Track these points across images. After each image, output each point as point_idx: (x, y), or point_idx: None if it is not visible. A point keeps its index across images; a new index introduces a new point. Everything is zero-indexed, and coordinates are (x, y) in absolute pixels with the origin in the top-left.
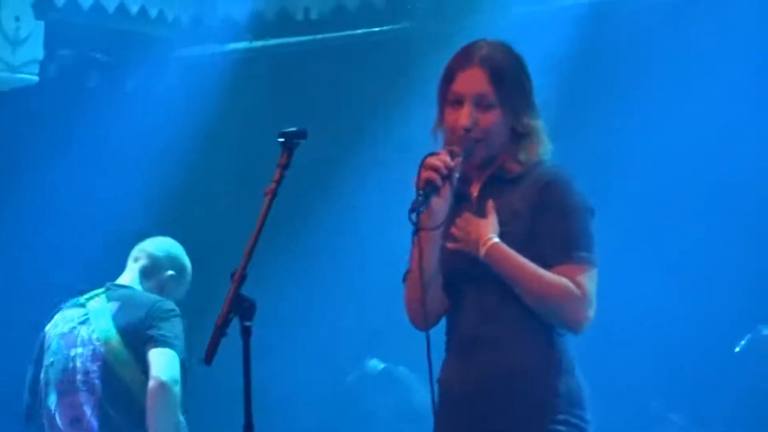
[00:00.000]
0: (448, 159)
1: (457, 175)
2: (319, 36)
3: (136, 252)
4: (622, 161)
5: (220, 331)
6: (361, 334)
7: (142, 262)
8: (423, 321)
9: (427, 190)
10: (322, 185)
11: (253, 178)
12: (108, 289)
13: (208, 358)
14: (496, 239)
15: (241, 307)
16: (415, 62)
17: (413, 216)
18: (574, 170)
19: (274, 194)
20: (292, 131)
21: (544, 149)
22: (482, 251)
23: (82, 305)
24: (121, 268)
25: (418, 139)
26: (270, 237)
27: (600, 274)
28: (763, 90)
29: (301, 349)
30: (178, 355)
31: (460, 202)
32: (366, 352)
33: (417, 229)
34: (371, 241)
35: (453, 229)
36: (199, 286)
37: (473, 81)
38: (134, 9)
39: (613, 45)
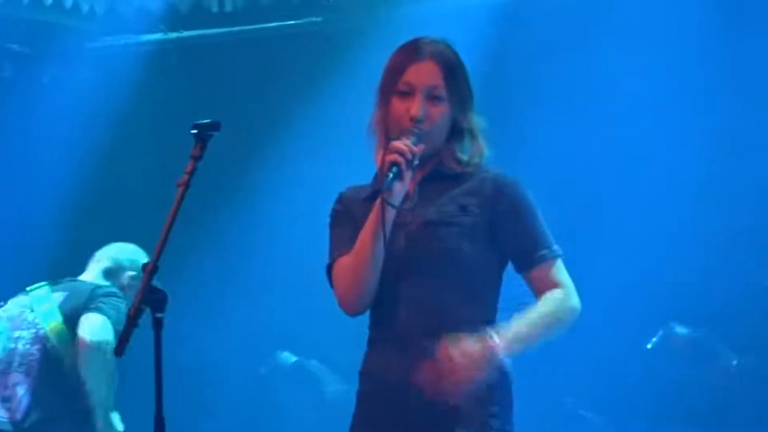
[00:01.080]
0: (412, 145)
1: (416, 162)
2: (234, 28)
3: (98, 255)
4: (535, 160)
5: (132, 322)
6: (273, 327)
7: (105, 263)
8: (357, 302)
9: (394, 171)
10: (236, 178)
11: (167, 170)
12: (53, 282)
13: (119, 350)
14: (498, 340)
15: (153, 299)
16: (328, 56)
17: (384, 190)
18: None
19: (187, 186)
20: (206, 123)
21: (484, 150)
22: (503, 355)
23: (26, 293)
24: (32, 258)
25: (331, 134)
26: (183, 229)
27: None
28: (680, 86)
29: (214, 341)
30: (110, 321)
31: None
32: (278, 345)
33: (384, 204)
34: (285, 234)
35: (455, 357)
36: None
37: (426, 73)
38: None
39: (529, 40)
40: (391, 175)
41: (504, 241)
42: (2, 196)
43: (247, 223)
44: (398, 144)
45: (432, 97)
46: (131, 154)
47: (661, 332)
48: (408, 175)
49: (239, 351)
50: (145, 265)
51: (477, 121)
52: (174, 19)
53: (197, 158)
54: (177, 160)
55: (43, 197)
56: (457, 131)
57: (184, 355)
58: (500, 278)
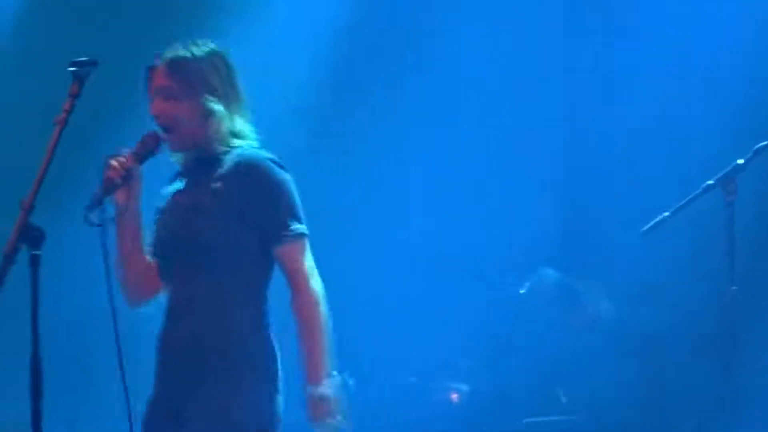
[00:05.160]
0: (124, 159)
1: (135, 168)
2: None
3: None
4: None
5: (9, 259)
6: None
7: None
8: (126, 298)
9: (107, 188)
10: None
11: (46, 108)
12: None
13: None
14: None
15: (30, 236)
16: None
17: (88, 212)
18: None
19: (64, 124)
20: (83, 60)
21: (228, 131)
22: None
23: None
24: None
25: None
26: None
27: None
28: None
29: None
30: None
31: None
32: None
33: (94, 224)
34: None
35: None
36: None
37: (157, 76)
38: None
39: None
40: (98, 193)
41: (251, 221)
42: None
43: None
44: (110, 161)
45: (164, 96)
46: (8, 92)
47: (535, 277)
48: (133, 183)
49: None
50: (21, 203)
51: (211, 108)
52: None
53: (75, 96)
54: (56, 99)
55: None
56: (205, 117)
57: None
58: (267, 260)
